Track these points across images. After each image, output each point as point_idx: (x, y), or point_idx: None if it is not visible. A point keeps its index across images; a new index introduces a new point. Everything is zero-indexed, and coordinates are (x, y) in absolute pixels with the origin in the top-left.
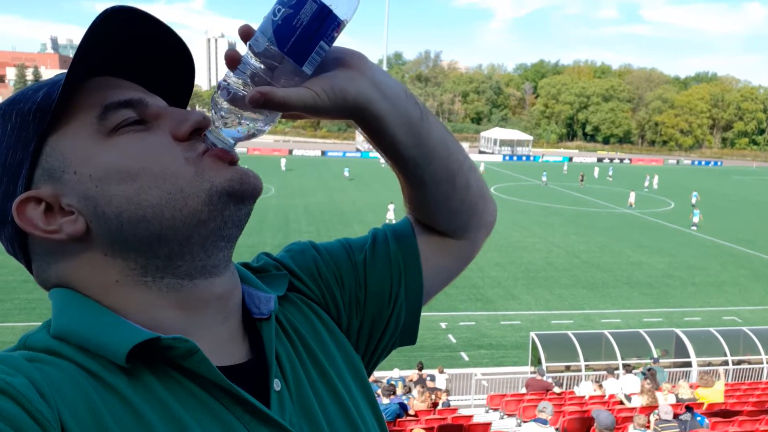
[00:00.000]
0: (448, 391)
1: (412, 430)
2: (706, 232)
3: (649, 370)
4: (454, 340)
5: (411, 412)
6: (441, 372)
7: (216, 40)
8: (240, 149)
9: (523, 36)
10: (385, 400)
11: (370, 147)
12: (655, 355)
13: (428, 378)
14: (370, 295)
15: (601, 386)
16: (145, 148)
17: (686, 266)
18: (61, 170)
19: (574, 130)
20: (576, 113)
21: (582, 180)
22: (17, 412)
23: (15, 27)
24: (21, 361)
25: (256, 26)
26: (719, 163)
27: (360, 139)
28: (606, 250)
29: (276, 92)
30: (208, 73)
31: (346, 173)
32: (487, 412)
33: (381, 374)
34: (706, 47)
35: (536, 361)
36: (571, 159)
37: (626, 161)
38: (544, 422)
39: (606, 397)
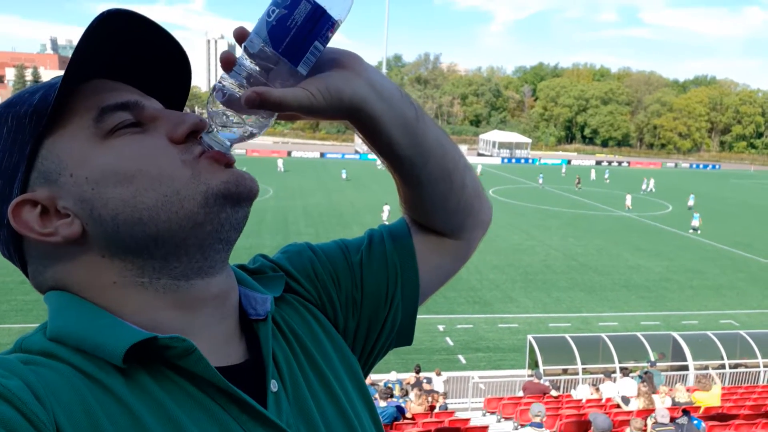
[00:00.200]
0: (445, 394)
1: None
2: (703, 236)
3: (646, 373)
4: (451, 343)
5: (408, 415)
6: (438, 374)
7: (216, 42)
8: (239, 150)
9: (522, 39)
10: (382, 403)
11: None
12: (653, 359)
13: (425, 381)
14: (366, 296)
15: (598, 389)
16: (141, 151)
17: (684, 270)
18: (57, 173)
19: (572, 133)
20: (575, 116)
21: (578, 183)
22: (13, 414)
23: (14, 27)
24: (16, 364)
25: (252, 28)
26: (717, 167)
27: (359, 141)
28: (604, 253)
29: (272, 92)
30: (208, 74)
31: (344, 175)
32: (484, 415)
33: (378, 377)
34: (705, 51)
35: (534, 364)
36: (569, 162)
37: (624, 164)
38: (539, 426)
39: (603, 401)
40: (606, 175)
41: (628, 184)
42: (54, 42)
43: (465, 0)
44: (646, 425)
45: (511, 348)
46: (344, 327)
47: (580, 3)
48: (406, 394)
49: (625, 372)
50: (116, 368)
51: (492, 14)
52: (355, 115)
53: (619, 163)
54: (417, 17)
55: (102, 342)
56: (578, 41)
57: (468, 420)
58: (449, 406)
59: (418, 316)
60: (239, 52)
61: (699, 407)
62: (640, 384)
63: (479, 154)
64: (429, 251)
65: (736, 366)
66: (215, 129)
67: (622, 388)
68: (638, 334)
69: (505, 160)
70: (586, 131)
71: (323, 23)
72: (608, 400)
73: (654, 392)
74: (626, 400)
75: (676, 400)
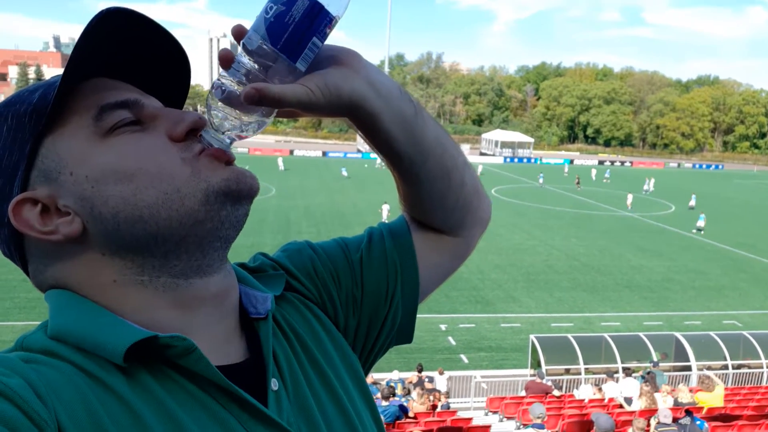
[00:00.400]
0: (447, 393)
1: None
2: (706, 236)
3: (648, 373)
4: (453, 343)
5: (411, 414)
6: (441, 373)
7: (218, 40)
8: (242, 149)
9: (525, 38)
10: (384, 402)
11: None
12: (655, 359)
13: (427, 380)
14: (366, 294)
15: (600, 389)
16: (141, 149)
17: (686, 270)
18: (57, 171)
19: (575, 133)
20: (577, 116)
21: (578, 183)
22: (14, 413)
23: (17, 25)
24: (17, 363)
25: (250, 26)
26: (720, 167)
27: (361, 140)
28: (606, 253)
29: (271, 88)
30: (210, 72)
31: (344, 172)
32: (486, 414)
33: (380, 376)
34: (708, 51)
35: (536, 364)
36: (572, 161)
37: (627, 164)
38: (540, 427)
39: (605, 401)
40: (606, 175)
41: (628, 184)
42: (57, 40)
43: (466, 0)
44: (648, 425)
45: (514, 348)
46: (345, 325)
47: (583, 2)
48: (409, 393)
49: (627, 372)
50: (117, 367)
51: (494, 14)
52: (354, 112)
53: (622, 163)
54: (419, 17)
55: (103, 341)
56: (581, 41)
57: (470, 419)
58: (451, 406)
59: (420, 315)
60: (239, 50)
61: (702, 408)
62: (642, 384)
63: (482, 154)
64: (428, 249)
65: (739, 366)
66: (215, 126)
67: (624, 389)
68: (641, 334)
69: (508, 160)
70: (589, 131)
71: (321, 19)
72: (611, 400)
73: (656, 392)
74: (629, 400)
75: (679, 400)
